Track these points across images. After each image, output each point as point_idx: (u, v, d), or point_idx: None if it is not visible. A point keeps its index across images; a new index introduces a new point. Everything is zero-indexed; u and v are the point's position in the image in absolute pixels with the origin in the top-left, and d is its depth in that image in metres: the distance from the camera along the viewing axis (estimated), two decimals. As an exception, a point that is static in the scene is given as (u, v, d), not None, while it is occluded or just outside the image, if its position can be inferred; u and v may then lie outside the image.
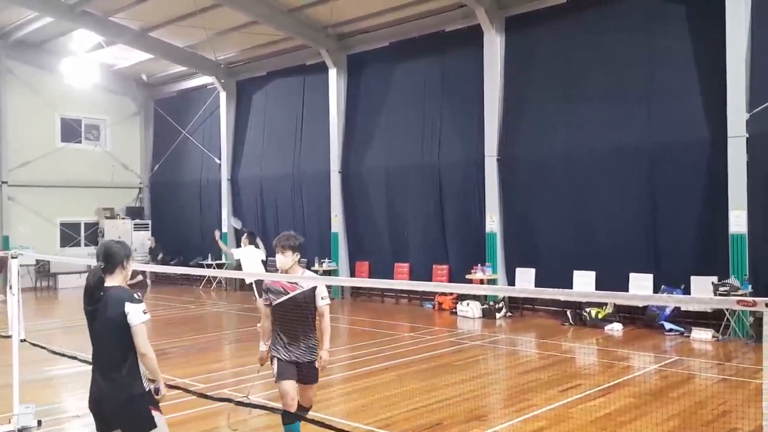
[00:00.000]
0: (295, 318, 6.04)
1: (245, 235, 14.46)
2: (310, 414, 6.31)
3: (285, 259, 6.19)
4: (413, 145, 18.27)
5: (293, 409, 6.00)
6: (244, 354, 11.84)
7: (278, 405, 6.53)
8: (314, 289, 6.13)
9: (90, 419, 7.89)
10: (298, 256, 6.28)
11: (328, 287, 20.21)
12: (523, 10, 16.21)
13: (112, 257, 4.65)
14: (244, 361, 10.93)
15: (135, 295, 4.60)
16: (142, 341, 4.47)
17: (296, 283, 6.08)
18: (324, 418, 6.94)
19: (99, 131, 26.36)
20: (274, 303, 6.10)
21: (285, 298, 6.06)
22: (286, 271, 6.20)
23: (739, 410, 7.68)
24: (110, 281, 4.60)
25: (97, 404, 4.52)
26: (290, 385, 6.01)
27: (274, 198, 22.20)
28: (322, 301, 6.15)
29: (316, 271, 19.20)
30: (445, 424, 7.53)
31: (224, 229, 23.46)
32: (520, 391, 8.98)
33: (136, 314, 4.47)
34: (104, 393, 4.48)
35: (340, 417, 7.67)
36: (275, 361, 6.06)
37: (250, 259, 13.73)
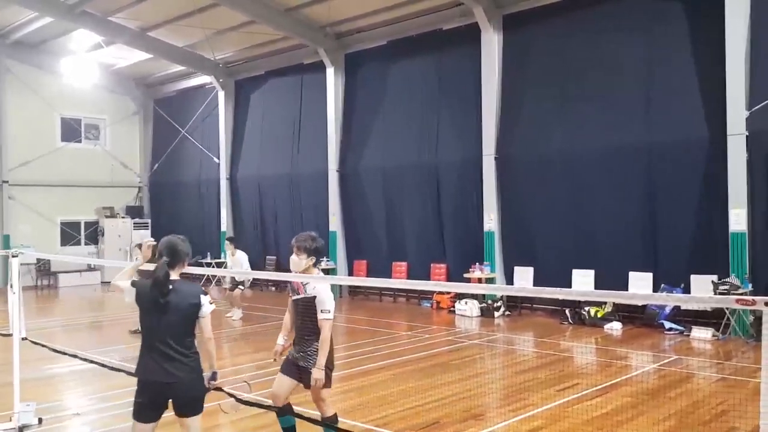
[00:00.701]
0: (302, 320, 5.95)
1: (229, 242, 16.23)
2: (308, 412, 6.31)
3: (298, 260, 5.97)
4: (411, 143, 18.28)
5: (277, 404, 5.97)
6: (245, 352, 11.86)
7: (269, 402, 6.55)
8: (314, 298, 5.84)
9: (90, 417, 7.99)
10: (313, 260, 6.00)
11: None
12: (520, 9, 16.20)
13: (177, 254, 5.06)
14: (244, 359, 10.96)
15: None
16: (209, 328, 5.05)
17: (304, 287, 5.92)
18: (320, 416, 6.94)
19: (99, 131, 26.38)
20: (291, 298, 6.07)
21: (296, 297, 5.99)
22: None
23: (738, 409, 7.68)
24: (172, 275, 4.98)
25: (158, 387, 4.78)
26: (281, 381, 5.99)
27: (273, 197, 22.22)
28: (321, 315, 5.79)
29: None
30: (442, 423, 7.54)
31: (223, 228, 23.51)
32: (518, 390, 8.98)
33: (207, 305, 5.03)
34: (171, 375, 4.77)
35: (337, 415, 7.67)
36: (285, 356, 6.13)
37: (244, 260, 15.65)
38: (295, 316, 6.05)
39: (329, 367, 5.89)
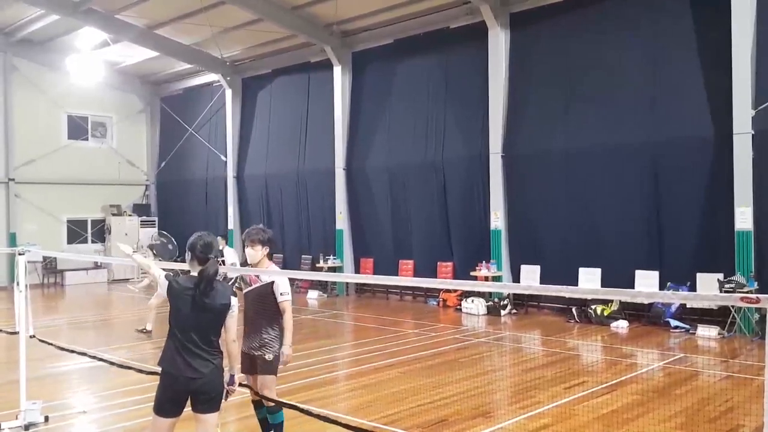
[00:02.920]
0: (255, 311, 6.22)
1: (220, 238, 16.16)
2: (317, 410, 6.34)
3: (254, 252, 6.28)
4: (418, 142, 18.28)
5: (254, 399, 6.30)
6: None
7: (284, 400, 6.57)
8: (272, 284, 6.18)
9: (97, 415, 8.01)
10: (267, 250, 6.36)
11: (333, 284, 20.17)
12: (527, 7, 16.17)
13: (215, 251, 5.05)
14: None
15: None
16: (235, 329, 5.18)
17: (258, 277, 6.23)
18: (329, 414, 6.96)
19: (105, 129, 26.44)
20: (242, 292, 6.35)
21: (248, 289, 6.28)
22: (255, 265, 6.31)
23: (743, 407, 7.70)
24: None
25: (183, 382, 4.78)
26: (248, 380, 6.27)
27: (279, 195, 22.24)
28: (281, 297, 6.18)
29: (320, 268, 19.28)
30: (450, 420, 7.55)
31: (230, 226, 23.56)
32: (525, 388, 8.99)
33: (235, 306, 5.12)
34: (197, 371, 4.78)
35: (345, 413, 7.70)
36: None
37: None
38: (247, 308, 6.29)
39: (276, 353, 6.18)
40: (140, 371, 7.44)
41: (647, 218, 14.26)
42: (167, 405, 4.80)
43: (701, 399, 8.32)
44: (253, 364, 6.21)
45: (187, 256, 5.02)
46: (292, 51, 21.55)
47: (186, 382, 4.76)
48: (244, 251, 6.43)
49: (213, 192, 24.93)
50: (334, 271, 19.20)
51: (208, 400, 4.84)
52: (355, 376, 9.91)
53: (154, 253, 16.11)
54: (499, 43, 16.37)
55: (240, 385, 5.50)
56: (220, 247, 16.24)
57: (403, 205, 18.72)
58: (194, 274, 4.91)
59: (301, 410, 6.50)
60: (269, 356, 6.14)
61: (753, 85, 12.68)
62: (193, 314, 4.83)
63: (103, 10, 20.18)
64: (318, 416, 6.03)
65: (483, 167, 16.76)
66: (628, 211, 14.46)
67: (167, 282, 4.92)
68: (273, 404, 6.15)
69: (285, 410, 6.29)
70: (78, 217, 25.27)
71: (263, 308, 6.20)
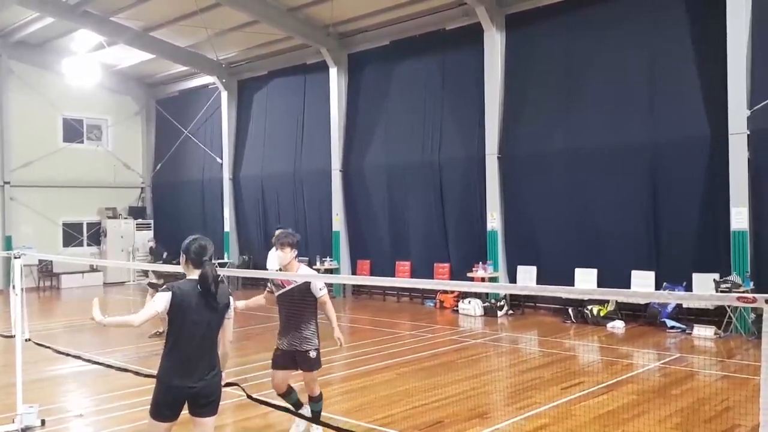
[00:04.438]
0: (289, 311, 6.52)
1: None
2: (309, 413, 6.34)
3: (284, 255, 6.56)
4: (414, 143, 18.28)
5: (280, 393, 6.64)
6: (247, 353, 11.85)
7: (279, 402, 6.58)
8: (308, 283, 6.51)
9: (93, 419, 7.99)
10: (296, 252, 6.63)
11: (329, 285, 20.20)
12: (522, 8, 16.20)
13: (210, 253, 4.98)
14: (245, 360, 10.95)
15: None
16: (231, 330, 5.12)
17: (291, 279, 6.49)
18: (324, 416, 6.97)
19: (101, 131, 26.41)
20: (275, 294, 6.63)
21: (281, 291, 6.55)
22: (285, 267, 6.60)
23: (741, 407, 7.70)
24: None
25: (186, 389, 4.71)
26: (277, 375, 6.60)
27: (276, 197, 22.22)
28: (321, 292, 6.54)
29: (318, 270, 19.26)
30: (446, 422, 7.54)
31: (226, 228, 23.52)
32: (522, 389, 8.99)
33: (233, 306, 5.11)
34: (203, 377, 4.76)
35: (341, 415, 7.70)
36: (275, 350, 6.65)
37: None
38: (281, 310, 6.61)
39: (318, 349, 6.56)
40: (137, 374, 7.44)
41: (643, 219, 14.27)
42: (165, 410, 4.73)
43: (698, 399, 8.32)
44: (293, 360, 6.51)
45: (182, 258, 4.95)
46: (288, 53, 21.55)
47: (188, 389, 4.71)
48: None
49: (209, 194, 24.90)
50: (331, 273, 19.19)
51: (208, 403, 4.79)
52: (351, 377, 9.89)
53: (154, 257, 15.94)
54: (495, 45, 16.38)
55: (228, 384, 5.45)
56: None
57: (399, 206, 18.72)
58: (192, 277, 4.84)
59: (296, 414, 6.51)
60: (313, 353, 6.49)
61: (748, 86, 12.71)
62: (202, 317, 4.76)
63: (99, 12, 20.16)
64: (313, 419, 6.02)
65: (479, 168, 16.76)
66: (624, 211, 14.47)
67: (169, 293, 4.71)
68: (318, 393, 6.64)
69: (279, 413, 6.30)
70: (74, 220, 25.21)
71: (301, 307, 6.49)
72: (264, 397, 6.59)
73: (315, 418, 6.63)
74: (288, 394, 6.69)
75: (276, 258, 6.71)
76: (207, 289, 4.75)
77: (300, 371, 6.59)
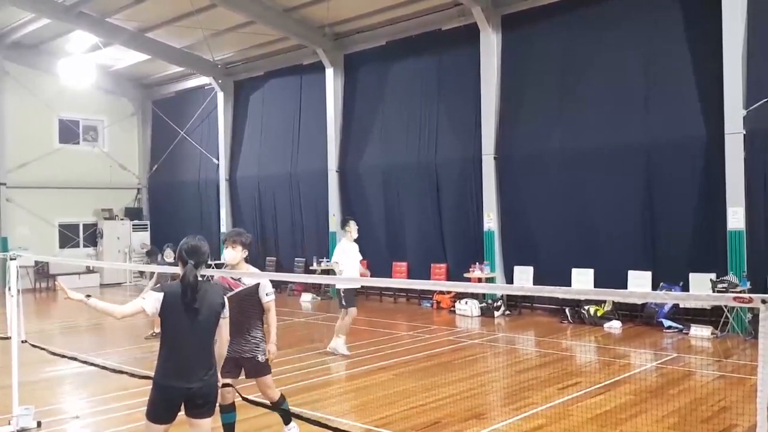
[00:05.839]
0: (239, 314, 6.11)
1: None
2: (308, 413, 6.33)
3: (234, 253, 6.33)
4: (411, 143, 18.28)
5: (225, 403, 6.19)
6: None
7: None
8: (258, 285, 6.30)
9: (89, 420, 7.97)
10: (246, 253, 6.44)
11: (326, 287, 20.05)
12: (519, 9, 16.21)
13: (202, 255, 4.92)
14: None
15: None
16: (227, 329, 5.07)
17: (240, 281, 6.27)
18: (322, 417, 6.96)
19: (97, 132, 26.38)
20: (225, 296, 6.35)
21: (230, 293, 6.14)
22: (234, 267, 6.36)
23: (737, 407, 7.71)
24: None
25: (184, 391, 4.68)
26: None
27: (272, 198, 22.21)
28: (267, 297, 6.34)
29: (314, 271, 19.24)
30: (443, 422, 7.53)
31: (222, 229, 23.49)
32: (519, 390, 8.98)
33: (226, 306, 5.01)
34: (200, 377, 4.72)
35: (338, 416, 7.68)
36: None
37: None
38: (231, 312, 6.17)
39: (265, 353, 6.34)
40: (133, 375, 7.41)
41: (640, 219, 14.29)
42: (162, 411, 4.70)
43: (695, 399, 8.33)
44: (238, 367, 6.27)
45: (176, 259, 4.97)
46: (284, 53, 21.53)
47: (185, 390, 4.69)
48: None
49: (205, 195, 24.89)
50: (328, 274, 19.15)
51: (205, 404, 4.76)
52: (348, 378, 9.89)
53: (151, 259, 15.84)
54: (491, 45, 16.39)
55: (225, 385, 5.46)
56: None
57: (396, 207, 18.71)
58: None
59: (293, 414, 6.50)
60: (261, 357, 6.26)
61: (744, 85, 12.73)
62: (189, 320, 4.73)
63: (94, 13, 20.14)
64: (310, 420, 6.01)
65: (476, 169, 16.77)
66: (621, 211, 14.49)
67: (161, 294, 4.72)
68: (278, 398, 6.41)
69: (273, 414, 6.26)
70: (70, 221, 25.17)
71: (249, 310, 6.27)
72: (259, 398, 6.57)
73: (286, 419, 6.56)
74: (228, 410, 6.31)
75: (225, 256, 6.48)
76: (185, 291, 4.70)
77: (248, 379, 6.39)
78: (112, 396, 8.81)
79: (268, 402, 6.45)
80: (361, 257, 11.93)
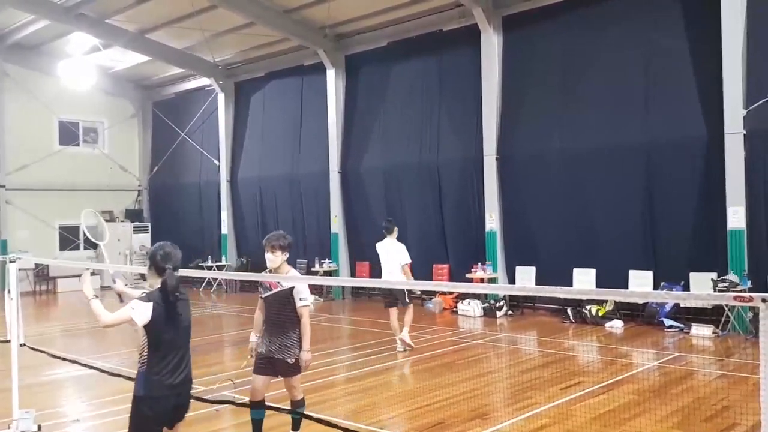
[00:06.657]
0: (275, 315, 6.38)
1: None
2: (312, 413, 6.31)
3: (274, 257, 6.43)
4: (412, 144, 18.27)
5: (256, 399, 6.40)
6: (245, 355, 11.83)
7: (279, 404, 6.55)
8: (292, 289, 6.36)
9: (90, 423, 7.96)
10: (287, 256, 6.50)
11: (329, 288, 20.02)
12: (519, 10, 16.20)
13: (179, 261, 4.91)
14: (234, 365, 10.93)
15: None
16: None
17: (279, 282, 6.38)
18: (327, 418, 6.94)
19: (97, 134, 26.35)
20: (261, 296, 6.54)
21: (268, 293, 6.43)
22: (275, 270, 6.47)
23: (739, 405, 7.69)
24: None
25: (173, 400, 4.74)
26: (257, 380, 6.41)
27: (274, 199, 22.18)
28: (301, 302, 6.38)
29: (316, 272, 19.23)
30: (447, 423, 7.52)
31: (224, 230, 23.47)
32: (522, 390, 8.98)
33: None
34: (187, 380, 4.82)
35: (343, 417, 7.66)
36: (255, 354, 6.52)
37: None
38: (268, 312, 6.46)
39: (296, 355, 6.38)
40: (132, 379, 7.38)
41: (641, 218, 14.29)
42: (155, 426, 4.73)
43: (697, 398, 8.32)
44: (272, 367, 6.37)
45: (146, 265, 4.92)
46: (285, 54, 21.52)
47: (174, 398, 4.71)
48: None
49: (206, 196, 24.85)
50: (330, 275, 19.14)
51: (185, 409, 4.85)
52: (353, 380, 9.87)
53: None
54: (492, 46, 16.38)
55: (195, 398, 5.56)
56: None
57: (398, 207, 18.68)
58: (158, 285, 4.75)
59: (300, 414, 6.49)
60: (291, 360, 6.33)
61: (744, 85, 12.72)
62: (175, 326, 4.73)
63: (94, 14, 20.13)
64: (317, 420, 6.02)
65: (477, 169, 16.76)
66: (621, 211, 14.48)
67: (150, 303, 4.65)
68: (300, 398, 6.51)
69: (282, 415, 6.27)
70: (70, 223, 25.14)
71: (284, 312, 6.36)
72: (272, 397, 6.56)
73: (295, 425, 6.62)
74: (259, 406, 6.45)
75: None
76: (166, 299, 4.66)
77: (281, 378, 6.51)
78: (112, 399, 8.78)
79: (272, 404, 6.49)
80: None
